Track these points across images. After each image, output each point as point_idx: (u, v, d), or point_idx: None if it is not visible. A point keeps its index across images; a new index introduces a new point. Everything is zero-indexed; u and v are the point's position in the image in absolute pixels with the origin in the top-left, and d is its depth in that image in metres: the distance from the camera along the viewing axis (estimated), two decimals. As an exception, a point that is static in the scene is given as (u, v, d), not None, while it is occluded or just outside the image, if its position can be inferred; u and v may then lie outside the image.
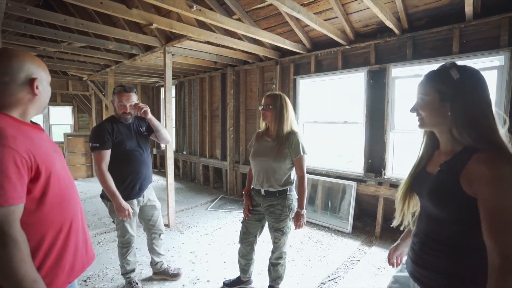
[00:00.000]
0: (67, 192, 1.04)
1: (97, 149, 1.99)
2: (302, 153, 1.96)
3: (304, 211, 2.01)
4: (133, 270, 2.34)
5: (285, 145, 1.95)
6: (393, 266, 1.28)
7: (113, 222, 2.19)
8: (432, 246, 0.94)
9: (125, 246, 2.26)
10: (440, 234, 0.93)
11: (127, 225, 2.20)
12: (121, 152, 2.09)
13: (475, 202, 0.83)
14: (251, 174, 2.23)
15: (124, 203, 2.02)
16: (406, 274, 1.06)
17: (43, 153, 0.95)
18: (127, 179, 2.12)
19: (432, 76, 0.95)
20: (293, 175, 2.06)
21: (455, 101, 0.87)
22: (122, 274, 2.33)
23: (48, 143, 1.05)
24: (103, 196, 2.17)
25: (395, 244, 1.28)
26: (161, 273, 2.52)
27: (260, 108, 2.02)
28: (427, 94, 0.94)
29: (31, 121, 1.07)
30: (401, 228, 1.14)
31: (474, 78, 0.88)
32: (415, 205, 1.09)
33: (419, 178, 1.03)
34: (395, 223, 1.15)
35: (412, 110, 1.01)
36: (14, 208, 0.81)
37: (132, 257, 2.31)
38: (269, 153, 1.99)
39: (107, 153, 2.02)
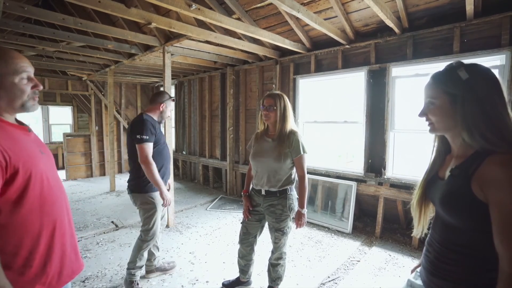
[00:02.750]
0: (51, 195, 0.99)
1: (147, 141, 2.16)
2: (302, 152, 1.95)
3: (305, 211, 2.00)
4: (141, 267, 2.37)
5: (285, 144, 1.94)
6: None
7: (141, 214, 2.29)
8: (447, 255, 0.89)
9: (150, 239, 2.30)
10: (455, 243, 0.88)
11: (158, 218, 2.30)
12: (158, 147, 2.28)
13: (488, 208, 0.77)
14: (250, 174, 2.22)
15: (167, 191, 2.26)
16: (420, 282, 1.02)
17: (25, 154, 0.92)
18: (160, 171, 2.25)
19: (439, 78, 0.89)
20: (294, 174, 2.05)
21: (465, 103, 0.82)
22: (129, 269, 2.31)
23: (35, 144, 1.01)
24: (134, 190, 2.24)
25: (417, 264, 1.18)
26: (158, 269, 2.54)
27: (262, 109, 2.00)
28: (435, 97, 0.89)
29: (18, 122, 1.03)
30: (418, 236, 1.08)
31: (484, 77, 0.83)
32: (432, 211, 1.02)
33: (431, 184, 0.98)
34: (415, 232, 1.07)
35: (421, 114, 0.95)
36: None
37: (146, 253, 2.38)
38: (269, 153, 1.98)
39: (152, 146, 2.20)
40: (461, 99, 0.83)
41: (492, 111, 0.80)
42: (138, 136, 2.14)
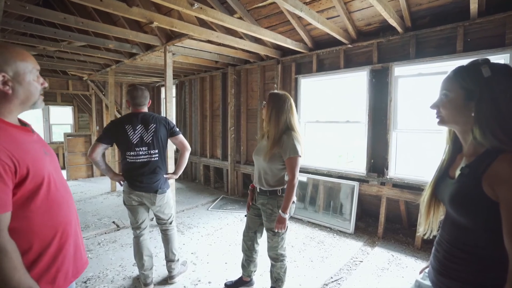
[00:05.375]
0: (58, 196, 0.99)
1: None
2: (292, 154, 1.86)
3: (285, 215, 1.89)
4: None
5: (277, 145, 1.91)
6: None
7: (167, 208, 2.38)
8: (456, 255, 0.88)
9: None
10: (464, 242, 0.87)
11: None
12: None
13: (498, 207, 0.76)
14: None
15: None
16: (429, 283, 1.01)
17: (31, 156, 0.91)
18: None
19: (459, 72, 0.87)
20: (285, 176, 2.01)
21: (482, 101, 0.81)
22: (175, 257, 2.45)
23: (38, 145, 1.00)
24: (166, 187, 2.35)
25: (426, 266, 1.17)
26: (179, 273, 2.57)
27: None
28: (451, 90, 0.88)
29: (21, 122, 1.02)
30: (425, 237, 1.04)
31: (506, 77, 0.81)
32: (442, 213, 1.02)
33: (441, 183, 0.98)
34: (421, 231, 1.06)
35: (433, 106, 0.94)
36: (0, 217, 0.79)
37: None
38: (261, 152, 2.00)
39: None
40: (478, 97, 0.81)
41: (507, 112, 0.79)
42: (177, 129, 2.36)
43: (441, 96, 0.91)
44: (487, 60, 0.83)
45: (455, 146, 0.98)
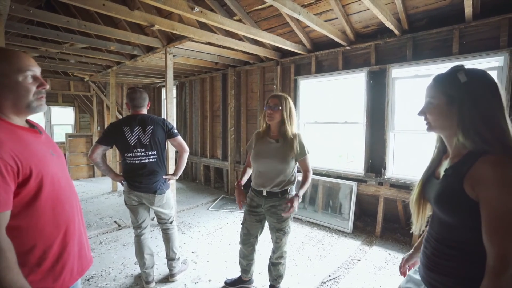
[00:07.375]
0: (62, 196, 1.01)
1: None
2: (307, 153, 2.03)
3: (300, 199, 1.94)
4: None
5: (291, 147, 1.97)
6: (403, 276, 1.24)
7: (167, 208, 2.42)
8: (443, 251, 0.93)
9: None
10: (451, 239, 0.92)
11: None
12: None
13: (479, 206, 0.81)
14: (245, 169, 2.24)
15: None
16: (419, 277, 1.06)
17: (35, 157, 0.92)
18: None
19: (439, 79, 0.94)
20: (295, 175, 2.08)
21: (462, 104, 0.86)
22: (176, 255, 2.52)
23: (45, 145, 1.02)
24: (165, 187, 2.40)
25: (409, 253, 1.26)
26: (180, 271, 2.62)
27: (266, 109, 2.00)
28: (434, 97, 0.93)
29: (30, 123, 1.03)
30: (417, 233, 1.10)
31: (482, 81, 0.87)
32: (430, 210, 1.06)
33: (428, 183, 1.03)
34: (414, 229, 1.12)
35: (420, 113, 0.99)
36: None
37: None
38: (275, 154, 1.99)
39: None
40: (458, 101, 0.87)
41: (487, 114, 0.84)
42: (176, 130, 2.39)
43: (427, 103, 0.97)
44: (462, 66, 0.90)
45: (443, 147, 1.03)
